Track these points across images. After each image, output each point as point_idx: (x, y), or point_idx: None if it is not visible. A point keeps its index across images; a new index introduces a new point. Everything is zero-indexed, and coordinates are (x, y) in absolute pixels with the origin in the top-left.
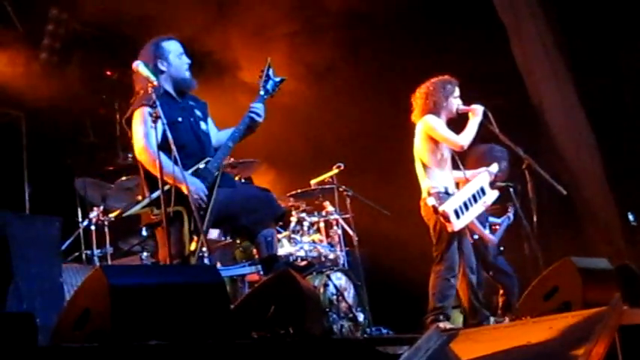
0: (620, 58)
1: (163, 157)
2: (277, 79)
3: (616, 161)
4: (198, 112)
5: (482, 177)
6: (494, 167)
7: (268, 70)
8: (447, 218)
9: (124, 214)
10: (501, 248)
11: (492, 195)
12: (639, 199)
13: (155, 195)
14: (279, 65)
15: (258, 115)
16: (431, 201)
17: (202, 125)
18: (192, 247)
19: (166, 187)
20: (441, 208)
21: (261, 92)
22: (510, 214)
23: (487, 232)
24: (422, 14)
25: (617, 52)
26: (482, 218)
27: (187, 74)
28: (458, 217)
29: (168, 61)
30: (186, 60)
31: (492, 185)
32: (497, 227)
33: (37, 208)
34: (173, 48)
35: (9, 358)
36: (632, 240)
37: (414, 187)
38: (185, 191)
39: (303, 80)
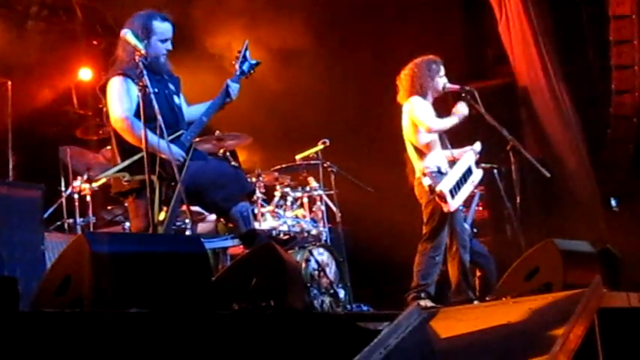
0: (607, 40)
1: (140, 125)
2: (253, 62)
3: (600, 146)
4: (171, 86)
5: (468, 156)
6: (478, 146)
7: (245, 51)
8: (443, 198)
9: (98, 179)
10: (475, 230)
11: (478, 174)
12: (622, 184)
13: (128, 162)
14: (262, 37)
15: (233, 93)
16: (426, 181)
17: (176, 99)
18: (162, 216)
19: (138, 156)
20: (437, 189)
21: (237, 73)
22: (477, 197)
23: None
24: None
25: (604, 33)
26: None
27: (162, 59)
28: (453, 197)
29: (150, 41)
30: (167, 47)
31: (477, 164)
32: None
33: (20, 176)
34: (160, 31)
35: None
36: (613, 224)
37: (398, 164)
38: (164, 156)
39: (289, 54)
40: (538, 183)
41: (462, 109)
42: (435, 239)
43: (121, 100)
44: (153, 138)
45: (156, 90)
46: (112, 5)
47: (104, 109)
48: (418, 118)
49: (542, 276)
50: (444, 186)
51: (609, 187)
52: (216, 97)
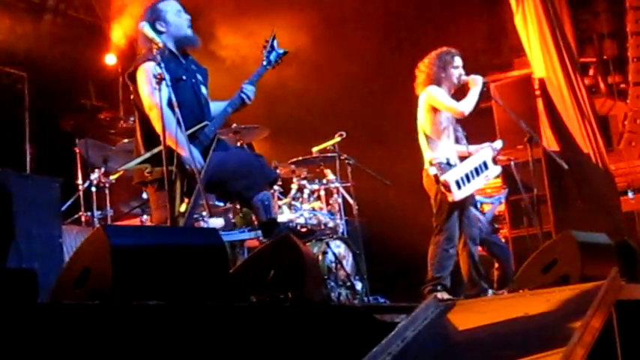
0: (626, 36)
1: (169, 116)
2: (281, 51)
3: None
4: (199, 76)
5: (485, 151)
6: (499, 143)
7: (273, 40)
8: (447, 188)
9: (120, 170)
10: (496, 225)
11: (495, 170)
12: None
13: (155, 151)
14: (277, 32)
15: (248, 97)
16: (432, 170)
17: (203, 89)
18: (182, 208)
19: (158, 149)
20: (442, 178)
21: (264, 62)
22: (502, 197)
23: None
24: None
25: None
26: (472, 199)
27: (189, 31)
28: (459, 187)
29: (167, 20)
30: (185, 16)
31: (495, 161)
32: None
33: (38, 169)
34: (170, 7)
35: (9, 314)
36: (631, 217)
37: (414, 157)
38: (182, 154)
39: (307, 46)
40: (555, 175)
41: (476, 80)
42: (446, 231)
43: (151, 88)
44: (182, 139)
45: (184, 77)
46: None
47: (132, 97)
48: (447, 106)
49: (559, 268)
50: (449, 176)
51: (626, 178)
52: (233, 98)
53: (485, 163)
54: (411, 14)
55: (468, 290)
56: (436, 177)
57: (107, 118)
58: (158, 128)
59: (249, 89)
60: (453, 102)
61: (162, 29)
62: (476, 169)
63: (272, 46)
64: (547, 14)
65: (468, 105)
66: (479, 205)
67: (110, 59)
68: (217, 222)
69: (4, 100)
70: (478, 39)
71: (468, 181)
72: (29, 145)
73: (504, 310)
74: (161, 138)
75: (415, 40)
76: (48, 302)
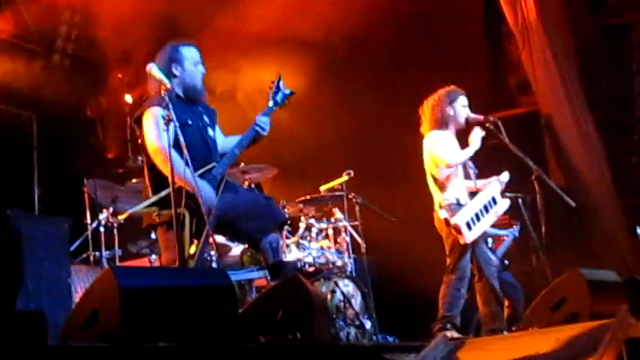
0: (632, 68)
1: (176, 158)
2: (287, 92)
3: (625, 174)
4: (206, 118)
5: (493, 186)
6: (505, 176)
7: (279, 81)
8: (458, 230)
9: (128, 213)
10: (506, 262)
11: (504, 204)
12: None
13: (163, 194)
14: (285, 68)
15: (262, 128)
16: (442, 214)
17: (210, 131)
18: (192, 250)
19: (165, 192)
20: (452, 221)
21: (270, 103)
22: (515, 231)
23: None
24: (434, 23)
25: (628, 62)
26: (484, 235)
27: (199, 83)
28: (470, 228)
29: (183, 66)
30: (201, 69)
31: (503, 194)
32: (504, 238)
33: (46, 209)
34: (190, 55)
35: (19, 356)
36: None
37: (422, 195)
38: (195, 192)
39: (313, 86)
40: (563, 212)
41: (475, 137)
42: (458, 271)
43: (159, 131)
44: (191, 178)
45: (189, 122)
46: (136, 40)
47: (139, 141)
48: (436, 154)
49: (569, 306)
50: (459, 218)
51: (635, 215)
52: (247, 131)
53: (494, 199)
54: (415, 51)
55: (489, 324)
56: (446, 220)
57: (115, 158)
58: (165, 171)
59: (264, 120)
60: (442, 151)
61: (177, 73)
62: (485, 207)
63: (278, 87)
64: (552, 49)
65: (456, 158)
66: (490, 242)
67: (128, 98)
68: (231, 259)
69: (13, 141)
70: (483, 75)
71: (478, 220)
72: (37, 185)
73: (514, 348)
74: (169, 180)
75: (421, 78)
76: (57, 344)
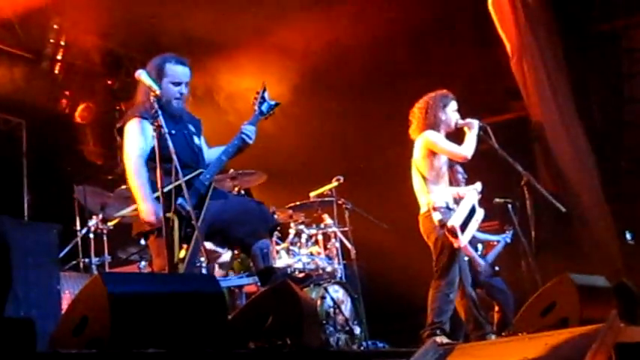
0: (621, 77)
1: (143, 170)
2: (272, 103)
3: (614, 180)
4: (191, 127)
5: (471, 194)
6: (479, 185)
7: (264, 92)
8: (454, 234)
9: (116, 216)
10: (496, 268)
11: (480, 213)
12: (637, 217)
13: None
14: (278, 75)
15: (248, 137)
16: (437, 216)
17: (195, 139)
18: (182, 254)
19: (156, 195)
20: (449, 223)
21: (256, 113)
22: (507, 236)
23: (477, 254)
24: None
25: (617, 72)
26: (472, 240)
27: (175, 103)
28: (462, 232)
29: (161, 83)
30: (180, 90)
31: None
32: (495, 244)
33: (35, 215)
34: (172, 73)
35: None
36: (629, 258)
37: (412, 201)
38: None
39: (306, 93)
40: (553, 218)
41: (471, 124)
42: (447, 276)
43: (135, 142)
44: (146, 189)
45: (173, 131)
46: (126, 47)
47: (119, 149)
48: (450, 151)
49: (558, 311)
50: (455, 221)
51: (624, 220)
52: (233, 140)
53: (474, 207)
54: (404, 57)
55: (475, 332)
56: (441, 222)
57: (104, 165)
58: (130, 181)
59: (250, 129)
60: (453, 146)
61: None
62: (470, 214)
63: (263, 97)
64: (542, 56)
65: (469, 149)
66: (480, 247)
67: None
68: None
69: (2, 147)
70: (473, 81)
71: (466, 226)
72: (27, 192)
73: (503, 354)
74: (157, 186)
75: (410, 83)
76: (46, 351)
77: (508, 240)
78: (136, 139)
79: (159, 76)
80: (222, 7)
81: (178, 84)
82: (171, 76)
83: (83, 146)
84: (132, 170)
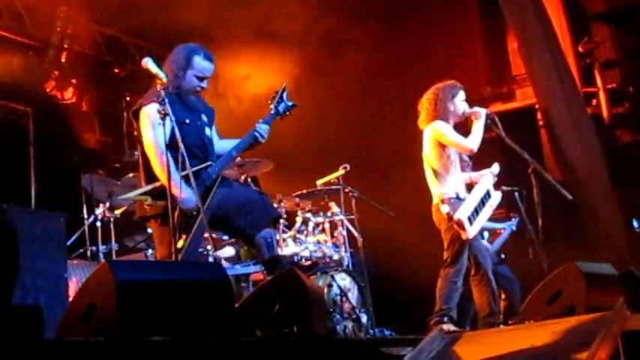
0: (628, 60)
1: (169, 158)
2: (290, 103)
3: (621, 167)
4: (204, 117)
5: (486, 179)
6: (496, 168)
7: (283, 92)
8: (461, 226)
9: (120, 198)
10: (502, 256)
11: (497, 197)
12: None
13: (158, 184)
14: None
15: (261, 135)
16: (445, 209)
17: (207, 130)
18: (180, 244)
19: (159, 182)
20: (455, 216)
21: (272, 112)
22: (513, 224)
23: (484, 241)
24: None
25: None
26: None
27: (192, 97)
28: (471, 223)
29: (185, 73)
30: (202, 84)
31: (495, 187)
32: (502, 231)
33: (42, 204)
34: (199, 67)
35: (15, 350)
36: (636, 246)
37: (419, 189)
38: (175, 194)
39: (312, 80)
40: (560, 205)
41: (479, 114)
42: (456, 264)
43: (154, 126)
44: (175, 176)
45: (187, 121)
46: (133, 35)
47: (135, 133)
48: (456, 143)
49: (565, 299)
50: (462, 214)
51: (631, 208)
52: (246, 136)
53: (488, 192)
54: (412, 45)
55: (489, 318)
56: (449, 215)
57: (112, 153)
58: (155, 167)
59: (264, 128)
60: (461, 139)
61: (179, 74)
62: (482, 201)
63: (281, 97)
64: (549, 44)
65: (475, 141)
66: (486, 235)
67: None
68: (228, 253)
69: (9, 136)
70: (480, 69)
71: (477, 214)
72: (34, 180)
73: (510, 341)
74: (162, 178)
75: (417, 72)
76: (53, 339)
77: (514, 228)
78: (154, 124)
79: (185, 66)
80: None
81: (202, 79)
82: (197, 69)
83: (90, 135)
84: (157, 159)
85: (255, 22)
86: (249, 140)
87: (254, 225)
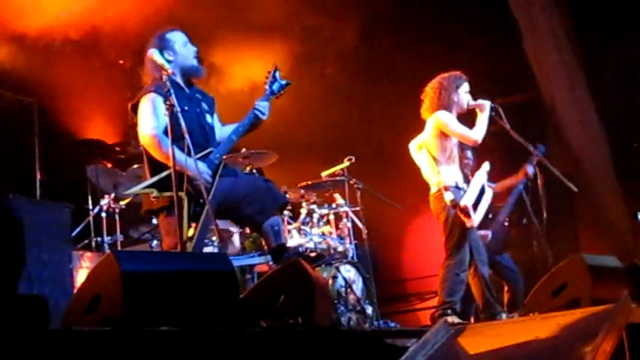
0: (633, 54)
1: (168, 143)
2: (283, 82)
3: (626, 159)
4: (204, 105)
5: (480, 174)
6: (487, 166)
7: (275, 72)
8: (467, 213)
9: (126, 193)
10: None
11: (489, 193)
12: None
13: (164, 174)
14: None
15: (262, 112)
16: (449, 196)
17: (208, 118)
18: (190, 233)
19: (166, 173)
20: (462, 203)
21: (267, 92)
22: (520, 185)
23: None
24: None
25: (629, 48)
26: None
27: (195, 62)
28: (475, 211)
29: (174, 50)
30: (192, 48)
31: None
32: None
33: (48, 194)
34: (177, 38)
35: (21, 340)
36: None
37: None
38: (191, 174)
39: (317, 72)
40: (565, 198)
41: (484, 106)
42: (458, 255)
43: (150, 117)
44: (180, 156)
45: (186, 108)
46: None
47: (136, 126)
48: (460, 134)
49: (570, 291)
50: (468, 200)
51: (636, 201)
52: (245, 117)
53: (483, 187)
54: (417, 36)
55: (484, 312)
56: (453, 202)
57: (117, 144)
58: (157, 156)
59: (264, 105)
60: (465, 130)
61: (170, 58)
62: (480, 194)
63: (274, 77)
64: (555, 36)
65: (479, 132)
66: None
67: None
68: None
69: (14, 127)
70: (485, 61)
71: (477, 205)
72: (39, 171)
73: (515, 333)
74: (170, 164)
75: (422, 63)
76: (59, 329)
77: (521, 187)
78: (152, 115)
79: (166, 47)
80: None
81: (186, 42)
82: (178, 39)
83: (95, 125)
84: (154, 145)
85: (253, 13)
86: (250, 121)
87: (262, 212)
